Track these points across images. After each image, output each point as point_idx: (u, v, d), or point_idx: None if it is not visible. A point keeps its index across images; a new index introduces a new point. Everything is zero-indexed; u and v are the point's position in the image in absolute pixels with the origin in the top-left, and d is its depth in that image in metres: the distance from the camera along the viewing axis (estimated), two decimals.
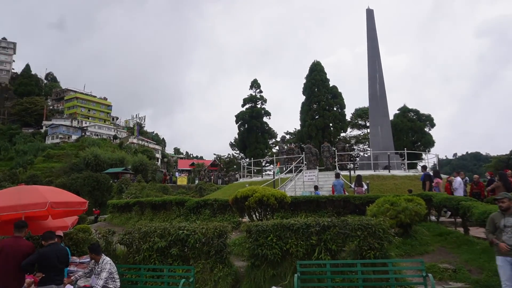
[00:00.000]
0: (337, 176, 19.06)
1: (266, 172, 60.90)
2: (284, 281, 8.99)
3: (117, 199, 32.17)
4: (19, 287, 7.50)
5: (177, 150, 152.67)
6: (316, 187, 20.04)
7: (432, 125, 66.52)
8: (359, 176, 18.86)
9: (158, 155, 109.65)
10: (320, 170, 25.36)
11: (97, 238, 11.18)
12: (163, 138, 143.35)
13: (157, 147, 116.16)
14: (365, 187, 18.48)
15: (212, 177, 53.62)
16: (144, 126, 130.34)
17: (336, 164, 25.88)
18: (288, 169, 27.73)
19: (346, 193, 17.91)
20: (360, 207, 14.81)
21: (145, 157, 74.71)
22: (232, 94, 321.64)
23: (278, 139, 71.97)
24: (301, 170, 26.04)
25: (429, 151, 59.55)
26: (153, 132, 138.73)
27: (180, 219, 17.27)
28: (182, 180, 54.60)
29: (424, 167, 21.01)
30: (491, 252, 8.85)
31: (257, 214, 13.16)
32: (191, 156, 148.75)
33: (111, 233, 10.95)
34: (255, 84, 76.83)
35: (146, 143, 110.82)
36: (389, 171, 24.79)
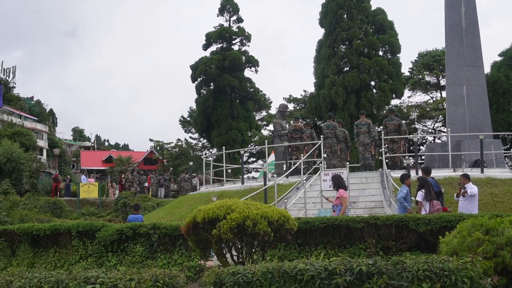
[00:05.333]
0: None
1: (251, 174, 43.46)
2: None
3: None
4: None
5: (79, 133, 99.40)
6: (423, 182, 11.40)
7: None
8: (424, 181, 11.59)
9: (43, 142, 68.79)
10: (351, 169, 16.68)
11: None
12: (51, 110, 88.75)
13: (40, 126, 70.64)
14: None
15: (148, 184, 33.99)
16: (13, 86, 77.91)
17: (383, 157, 17.06)
18: (293, 168, 17.74)
19: (404, 211, 11.35)
20: (428, 237, 9.51)
21: (16, 145, 42.13)
22: (185, 25, 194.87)
23: (273, 111, 49.73)
24: (316, 169, 16.74)
25: None
26: (30, 97, 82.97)
27: (87, 263, 11.77)
28: (89, 190, 34.31)
29: None
30: None
31: (234, 252, 9.00)
32: (107, 144, 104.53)
33: None
34: (228, 6, 47.18)
35: (17, 120, 65.51)
36: (482, 171, 15.95)
